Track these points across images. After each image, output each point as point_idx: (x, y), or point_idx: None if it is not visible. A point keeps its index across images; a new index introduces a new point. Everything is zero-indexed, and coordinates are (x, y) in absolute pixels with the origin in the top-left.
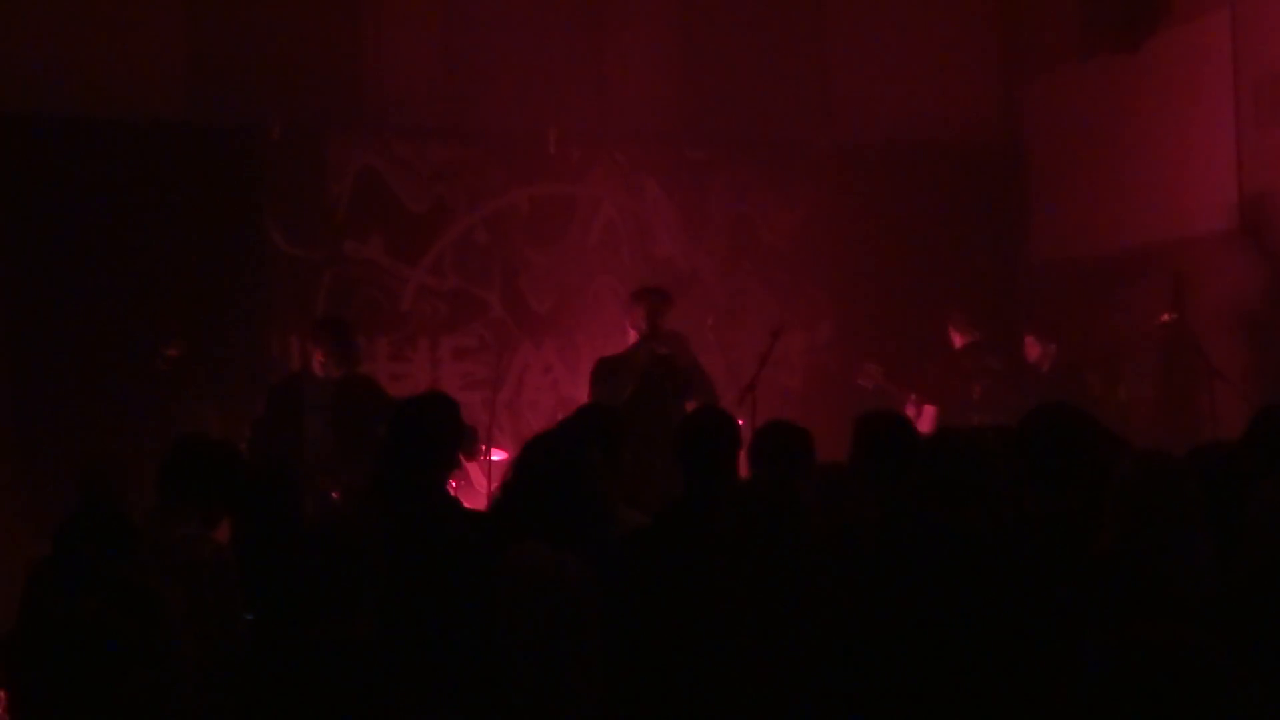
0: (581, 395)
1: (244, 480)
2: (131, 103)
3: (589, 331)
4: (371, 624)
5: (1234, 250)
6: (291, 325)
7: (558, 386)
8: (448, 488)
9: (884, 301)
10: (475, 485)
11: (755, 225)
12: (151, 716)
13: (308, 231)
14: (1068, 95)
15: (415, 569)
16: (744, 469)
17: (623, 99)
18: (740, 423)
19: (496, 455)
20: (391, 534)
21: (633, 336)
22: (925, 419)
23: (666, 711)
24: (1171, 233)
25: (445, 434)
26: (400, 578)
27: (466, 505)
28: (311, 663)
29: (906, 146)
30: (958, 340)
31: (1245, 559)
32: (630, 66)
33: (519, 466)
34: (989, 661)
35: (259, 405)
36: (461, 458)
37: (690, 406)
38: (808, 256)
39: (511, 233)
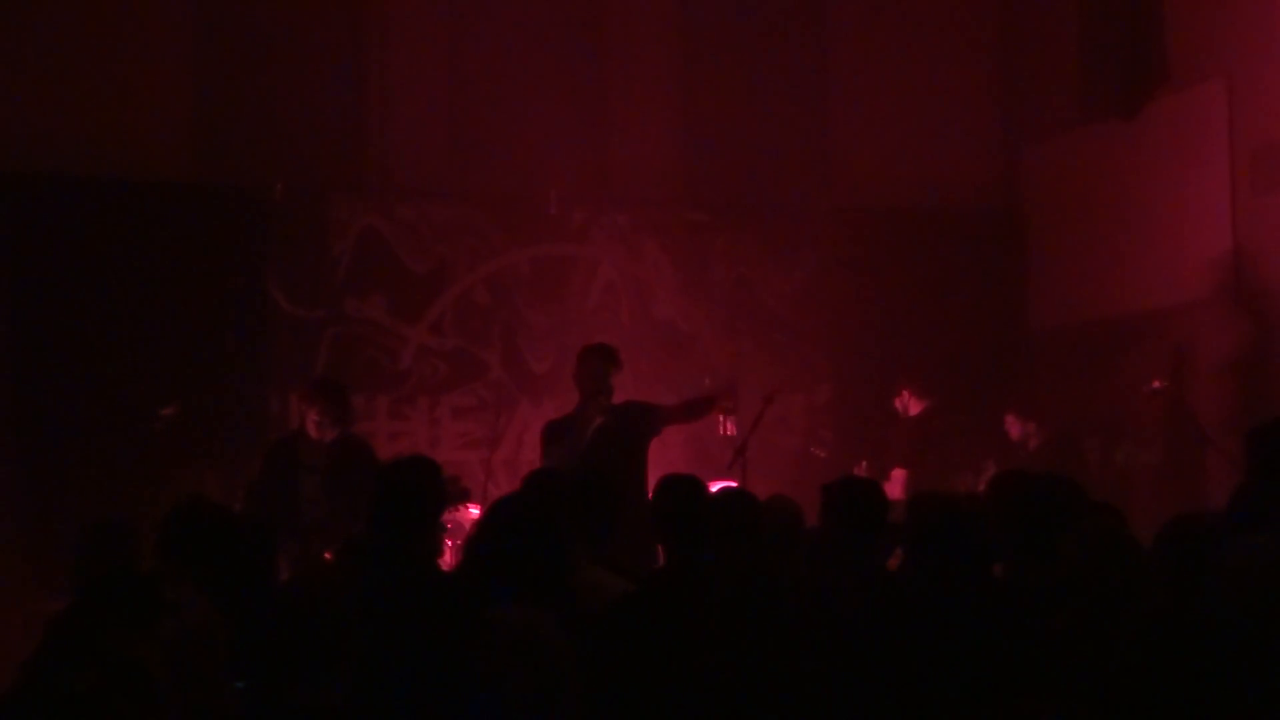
0: None
1: (239, 543)
2: (136, 163)
3: None
4: (349, 689)
5: (1229, 315)
6: (292, 384)
7: None
8: (437, 548)
9: (882, 365)
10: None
11: (755, 288)
12: None
13: (310, 290)
14: (1066, 161)
15: (391, 632)
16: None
17: (623, 161)
18: (731, 486)
19: (475, 511)
20: (369, 596)
21: (580, 396)
22: (895, 484)
23: None
24: (1168, 298)
25: (426, 496)
26: (377, 641)
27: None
28: None
29: (905, 212)
30: (914, 408)
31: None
32: (631, 129)
33: (482, 529)
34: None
35: (255, 465)
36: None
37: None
38: (807, 320)
39: (512, 293)
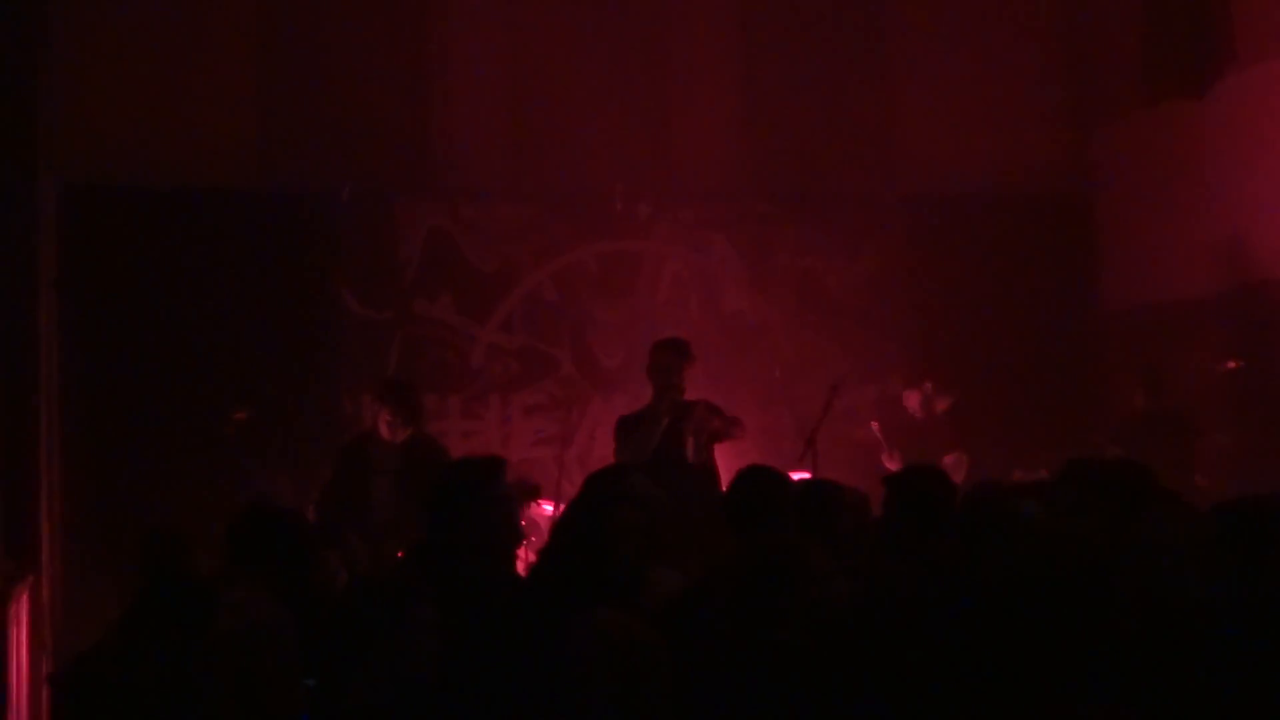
0: None
1: (304, 544)
2: (202, 171)
3: None
4: (409, 689)
5: None
6: (363, 386)
7: None
8: (506, 549)
9: (953, 352)
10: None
11: (822, 278)
12: None
13: (378, 292)
14: (1134, 142)
15: (470, 638)
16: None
17: (687, 155)
18: (805, 476)
19: (548, 507)
20: (441, 600)
21: (651, 392)
22: (951, 468)
23: None
24: (1241, 277)
25: (489, 497)
26: (455, 647)
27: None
28: None
29: (973, 197)
30: (940, 405)
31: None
32: (694, 123)
33: (556, 532)
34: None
35: (327, 469)
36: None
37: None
38: (875, 309)
39: (579, 290)
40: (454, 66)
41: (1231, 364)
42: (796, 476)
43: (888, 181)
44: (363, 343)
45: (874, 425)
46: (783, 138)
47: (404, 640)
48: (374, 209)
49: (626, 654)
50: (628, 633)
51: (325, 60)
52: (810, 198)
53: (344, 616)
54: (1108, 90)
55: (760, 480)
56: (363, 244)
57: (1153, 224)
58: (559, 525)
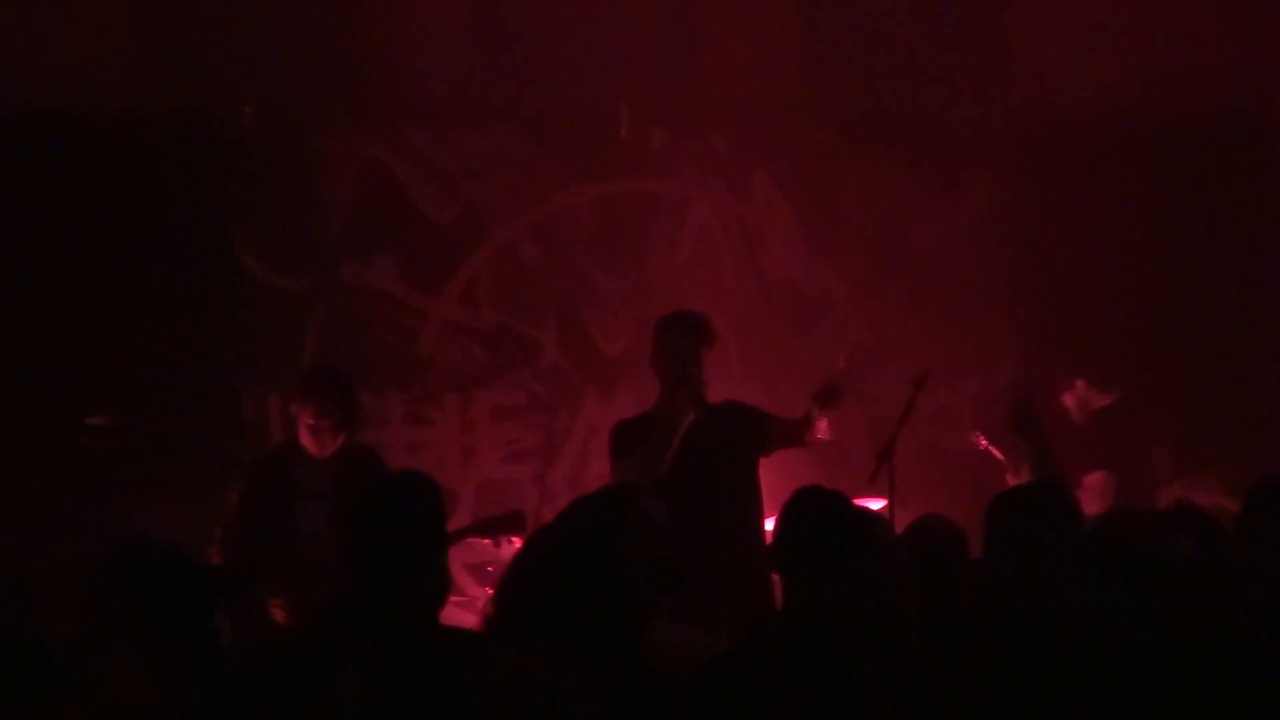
0: None
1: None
2: (50, 89)
3: None
4: None
5: None
6: (272, 381)
7: None
8: (437, 596)
9: (1090, 330)
10: None
11: (904, 232)
12: None
13: (292, 252)
14: None
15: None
16: None
17: (719, 64)
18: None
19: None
20: (364, 663)
21: (660, 387)
22: (1093, 491)
23: None
24: None
25: (423, 529)
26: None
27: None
28: None
29: (1113, 123)
30: (1098, 400)
31: None
32: (728, 18)
33: (520, 567)
34: None
35: (231, 493)
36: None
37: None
38: (978, 274)
39: (570, 248)
40: None
41: None
42: (866, 504)
43: (998, 100)
44: (271, 321)
45: (979, 440)
46: (851, 42)
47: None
48: (288, 137)
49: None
50: (545, 692)
51: None
52: (888, 122)
53: (242, 694)
54: None
55: (819, 509)
56: (272, 185)
57: None
58: (530, 562)
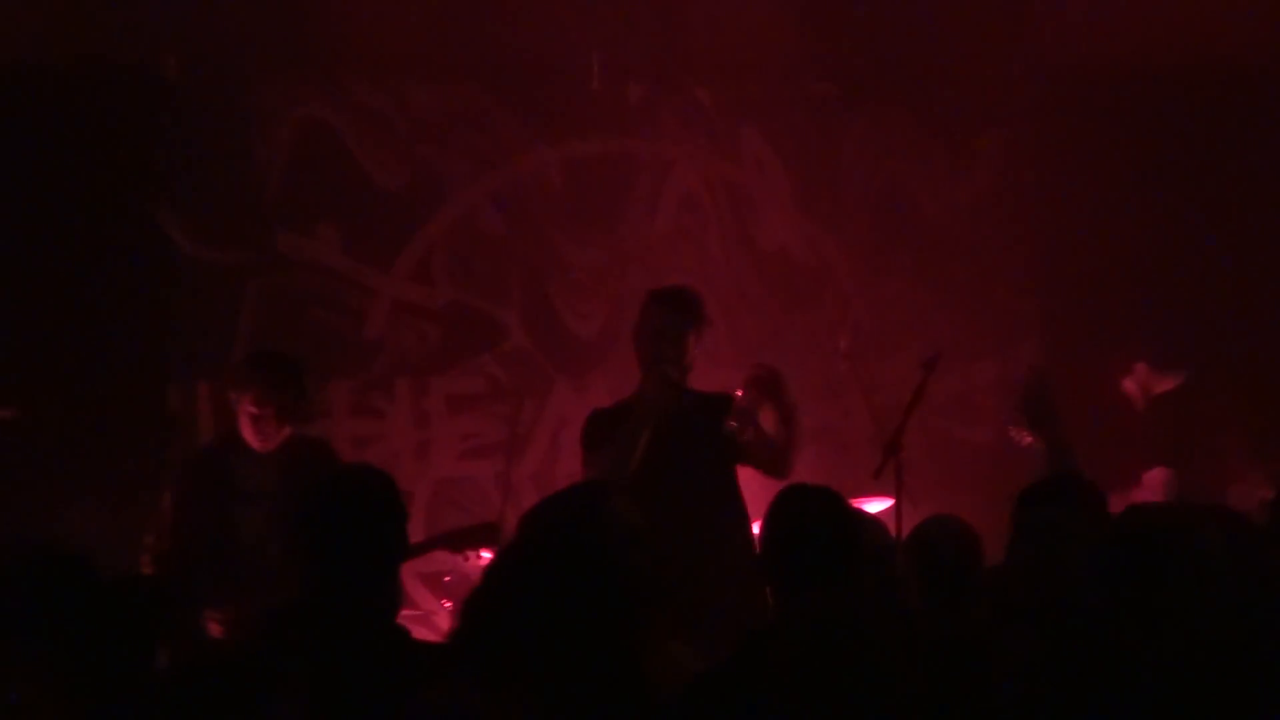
0: None
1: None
2: None
3: None
4: None
5: None
6: (201, 367)
7: None
8: (392, 604)
9: (1118, 305)
10: None
11: (913, 196)
12: None
13: (223, 222)
14: None
15: None
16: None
17: (706, 9)
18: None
19: (487, 556)
20: (307, 685)
21: (640, 372)
22: (1148, 490)
23: None
24: None
25: (381, 531)
26: None
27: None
28: None
29: (1146, 73)
30: (1162, 384)
31: None
32: None
33: (493, 577)
34: None
35: (159, 496)
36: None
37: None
38: (994, 244)
39: (538, 216)
40: None
41: None
42: (871, 503)
43: (1016, 47)
44: (199, 299)
45: (1022, 437)
46: None
47: None
48: (218, 90)
49: None
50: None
51: None
52: (894, 75)
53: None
54: None
55: (814, 508)
56: (199, 146)
57: None
58: (497, 573)
